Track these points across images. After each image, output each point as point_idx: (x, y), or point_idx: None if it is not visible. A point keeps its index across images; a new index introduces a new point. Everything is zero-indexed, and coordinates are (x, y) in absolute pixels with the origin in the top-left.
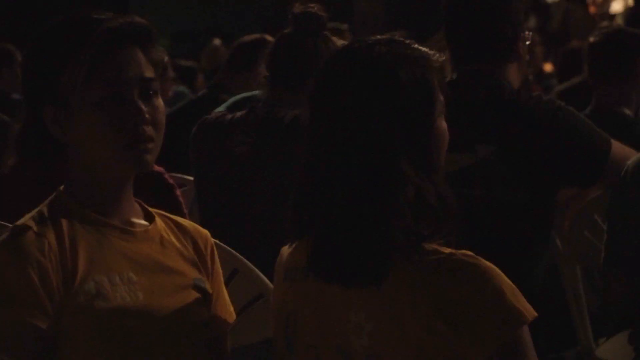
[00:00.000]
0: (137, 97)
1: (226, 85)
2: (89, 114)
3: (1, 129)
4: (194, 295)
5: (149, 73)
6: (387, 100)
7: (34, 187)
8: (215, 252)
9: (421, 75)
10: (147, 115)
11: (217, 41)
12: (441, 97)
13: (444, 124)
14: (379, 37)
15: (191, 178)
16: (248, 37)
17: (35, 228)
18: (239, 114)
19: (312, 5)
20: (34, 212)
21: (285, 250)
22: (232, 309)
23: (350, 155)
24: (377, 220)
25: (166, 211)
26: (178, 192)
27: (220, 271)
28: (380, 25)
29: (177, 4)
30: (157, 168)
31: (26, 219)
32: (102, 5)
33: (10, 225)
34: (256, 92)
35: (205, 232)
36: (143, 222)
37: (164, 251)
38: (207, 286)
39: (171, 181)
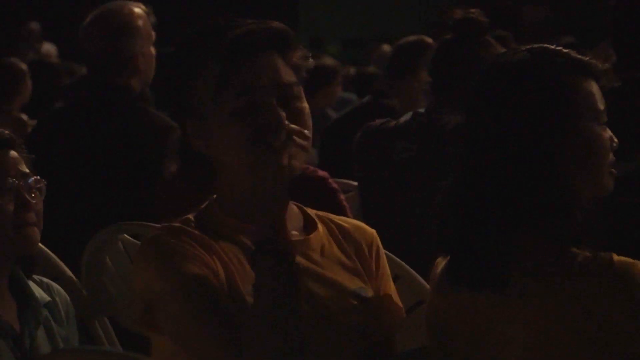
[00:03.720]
0: (275, 103)
1: (388, 91)
2: (224, 125)
3: (164, 134)
4: (352, 305)
5: (288, 77)
6: (529, 107)
7: (192, 194)
8: (381, 251)
9: (568, 82)
10: (286, 122)
11: (385, 47)
12: (599, 106)
13: (596, 130)
14: (534, 45)
15: (355, 183)
16: (406, 40)
17: (180, 229)
18: (402, 120)
19: (473, 10)
20: (182, 218)
21: (441, 260)
22: (400, 308)
23: (492, 161)
24: (519, 227)
25: None
26: (342, 197)
27: (387, 271)
28: (546, 33)
29: (348, 11)
30: (322, 173)
31: (173, 221)
32: (271, 15)
33: None
34: None
35: (371, 231)
36: (296, 232)
37: (323, 261)
38: (369, 293)
39: (335, 186)
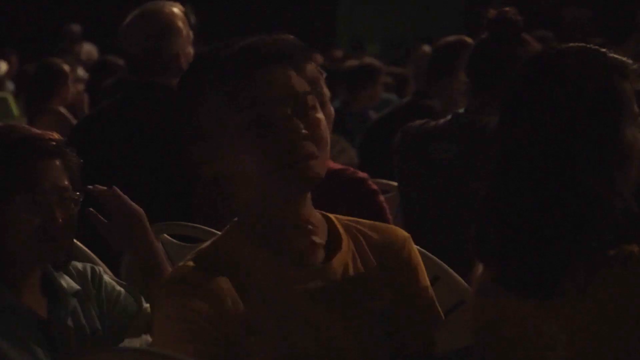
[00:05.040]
0: (291, 113)
1: (428, 92)
2: (235, 142)
3: None
4: (377, 328)
5: (302, 87)
6: (571, 109)
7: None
8: (414, 255)
9: (610, 84)
10: (303, 131)
11: (425, 47)
12: (635, 108)
13: (635, 135)
14: (572, 44)
15: (396, 184)
16: (445, 41)
17: (197, 272)
18: (442, 121)
19: (508, 9)
20: (204, 246)
21: None
22: (437, 315)
23: (533, 163)
24: (563, 232)
25: (369, 217)
26: (381, 197)
27: (423, 278)
28: (585, 32)
29: (387, 12)
30: (361, 174)
31: (193, 256)
32: (310, 16)
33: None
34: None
35: (402, 235)
36: (321, 253)
37: (345, 285)
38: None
39: (375, 187)
